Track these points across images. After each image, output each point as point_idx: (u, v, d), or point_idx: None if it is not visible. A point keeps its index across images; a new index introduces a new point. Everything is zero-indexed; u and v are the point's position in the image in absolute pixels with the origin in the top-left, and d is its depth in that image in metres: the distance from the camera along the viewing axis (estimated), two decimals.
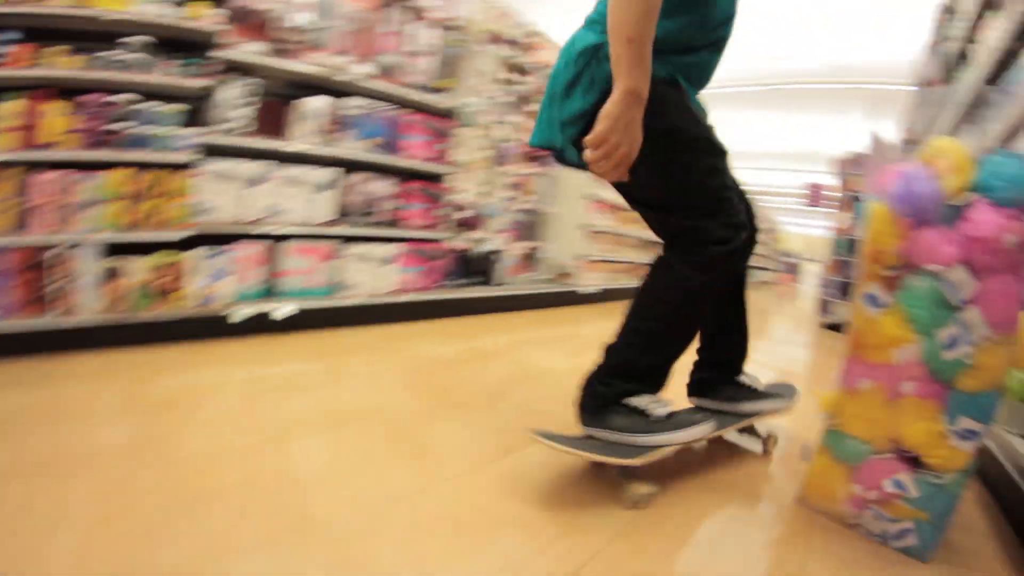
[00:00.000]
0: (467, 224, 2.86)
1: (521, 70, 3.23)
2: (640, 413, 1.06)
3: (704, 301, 1.07)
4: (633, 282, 4.33)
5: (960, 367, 0.90)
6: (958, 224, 0.89)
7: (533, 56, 3.29)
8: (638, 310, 1.09)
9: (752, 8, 5.74)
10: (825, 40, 6.06)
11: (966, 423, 0.90)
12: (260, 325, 1.95)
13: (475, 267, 2.97)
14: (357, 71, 2.24)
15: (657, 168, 0.97)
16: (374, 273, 2.32)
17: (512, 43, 3.15)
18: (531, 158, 3.36)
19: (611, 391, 1.08)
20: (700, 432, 1.08)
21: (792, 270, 17.40)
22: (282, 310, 2.00)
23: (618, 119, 0.86)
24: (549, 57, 3.49)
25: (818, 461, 1.08)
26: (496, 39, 3.00)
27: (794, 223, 20.77)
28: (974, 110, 2.02)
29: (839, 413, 1.04)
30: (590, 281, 3.86)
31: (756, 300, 11.31)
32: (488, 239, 3.00)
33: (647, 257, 4.58)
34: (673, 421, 1.06)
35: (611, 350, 1.11)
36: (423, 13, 2.49)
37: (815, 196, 11.93)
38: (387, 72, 2.37)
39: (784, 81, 7.44)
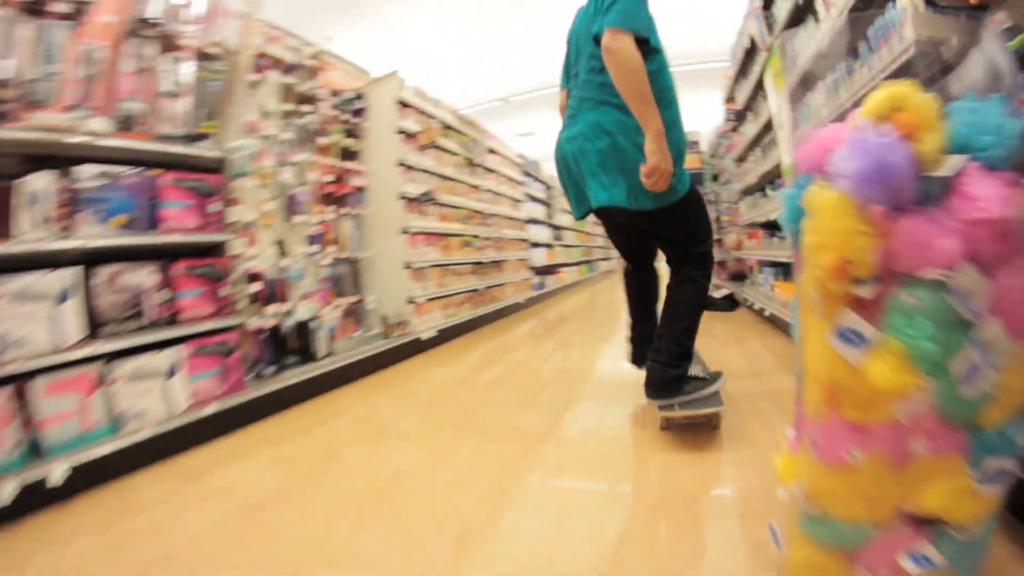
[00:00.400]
0: (267, 296, 2.52)
1: (306, 99, 2.98)
2: (697, 378, 1.72)
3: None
4: (476, 311, 4.64)
5: (983, 401, 0.69)
6: (947, 204, 0.66)
7: (320, 80, 3.07)
8: (680, 311, 1.69)
9: None
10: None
11: (995, 463, 0.71)
12: (35, 499, 1.47)
13: (291, 345, 2.64)
14: (92, 128, 1.78)
15: (689, 215, 1.65)
16: (159, 392, 1.90)
17: (292, 68, 2.88)
18: (330, 199, 3.14)
19: (682, 370, 1.68)
20: (721, 379, 1.76)
21: None
22: (56, 472, 1.51)
23: (659, 150, 1.45)
24: (340, 79, 3.32)
25: (797, 552, 0.84)
26: (271, 65, 2.71)
27: None
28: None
29: (817, 493, 0.79)
30: (428, 324, 3.82)
31: (610, 282, 13.13)
32: (298, 307, 2.69)
33: (482, 282, 4.72)
34: (710, 375, 1.76)
35: (667, 341, 1.68)
36: (175, 41, 2.09)
37: None
38: (130, 123, 1.92)
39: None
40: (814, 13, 2.22)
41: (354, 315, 3.30)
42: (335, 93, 3.29)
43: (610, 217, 1.84)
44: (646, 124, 1.45)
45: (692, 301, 1.69)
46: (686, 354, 1.70)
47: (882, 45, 1.48)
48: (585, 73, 1.65)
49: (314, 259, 2.92)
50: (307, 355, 2.71)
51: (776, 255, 3.26)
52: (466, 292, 4.51)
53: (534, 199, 7.23)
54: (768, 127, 3.29)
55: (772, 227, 3.27)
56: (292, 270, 2.73)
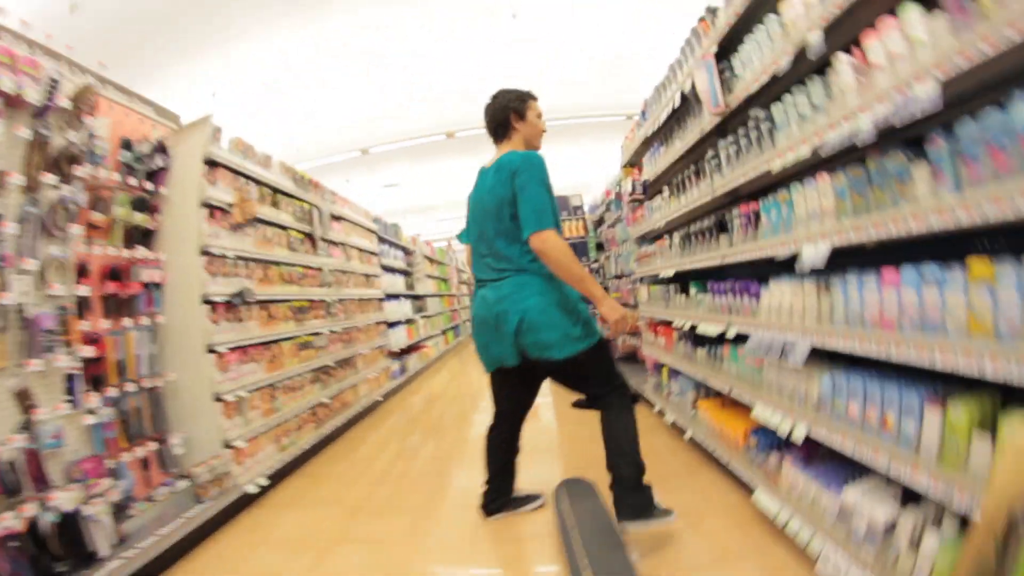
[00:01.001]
0: (10, 487, 1.60)
1: (69, 159, 1.98)
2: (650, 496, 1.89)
3: None
4: (321, 430, 3.53)
5: None
6: None
7: (94, 126, 2.12)
8: (621, 439, 1.87)
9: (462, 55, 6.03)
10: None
11: None
12: None
13: (56, 549, 1.66)
14: None
15: (602, 362, 1.93)
16: None
17: (44, 111, 1.87)
18: (110, 305, 2.16)
19: (646, 492, 1.86)
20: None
21: None
22: None
23: (611, 310, 1.83)
24: (131, 125, 2.34)
25: None
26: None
27: None
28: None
29: None
30: (256, 470, 2.76)
31: None
32: (63, 493, 1.65)
33: (327, 391, 3.76)
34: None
35: (623, 467, 1.84)
36: None
37: None
38: None
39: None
40: (821, 72, 1.52)
41: (159, 462, 2.35)
42: (125, 145, 2.31)
43: (523, 370, 1.99)
44: (592, 297, 1.83)
45: (627, 426, 1.88)
46: (640, 475, 1.86)
47: None
48: (499, 242, 1.93)
49: (80, 401, 1.96)
50: (82, 557, 1.85)
51: (696, 370, 2.69)
52: (307, 410, 3.49)
53: (391, 270, 6.46)
54: (710, 214, 2.50)
55: (700, 340, 2.68)
56: (44, 436, 1.83)
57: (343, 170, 9.54)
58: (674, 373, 3.25)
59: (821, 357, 1.64)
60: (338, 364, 4.12)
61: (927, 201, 1.16)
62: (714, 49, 2.15)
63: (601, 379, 1.93)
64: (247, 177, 3.07)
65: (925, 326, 1.17)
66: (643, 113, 3.55)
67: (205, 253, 2.64)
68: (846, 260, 1.52)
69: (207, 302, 2.61)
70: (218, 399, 2.61)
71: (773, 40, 1.75)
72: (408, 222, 14.99)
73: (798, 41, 1.56)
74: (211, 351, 2.61)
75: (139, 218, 2.46)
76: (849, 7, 1.36)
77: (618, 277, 5.10)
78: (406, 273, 7.14)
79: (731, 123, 2.26)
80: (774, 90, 1.84)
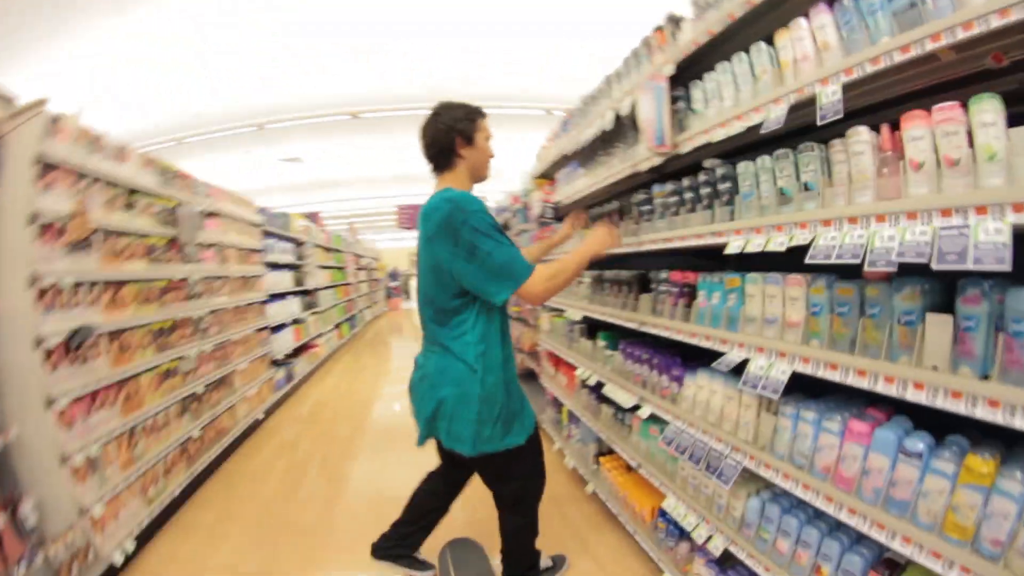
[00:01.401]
0: None
1: None
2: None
3: None
4: (194, 466, 3.12)
5: None
6: None
7: None
8: (512, 545, 1.87)
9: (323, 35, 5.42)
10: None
11: None
12: None
13: None
14: None
15: (514, 472, 1.75)
16: None
17: None
18: None
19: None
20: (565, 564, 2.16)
21: (397, 293, 18.99)
22: None
23: (602, 241, 1.88)
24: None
25: None
26: None
27: (391, 239, 21.53)
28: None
29: None
30: (121, 532, 2.41)
31: (375, 335, 11.83)
32: None
33: (199, 420, 3.38)
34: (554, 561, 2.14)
35: (512, 562, 1.89)
36: None
37: (408, 218, 13.44)
38: None
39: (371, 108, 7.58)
40: (823, 140, 1.24)
41: (14, 534, 1.97)
42: None
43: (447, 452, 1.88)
44: (587, 260, 1.76)
45: (525, 540, 1.89)
46: (536, 566, 1.93)
47: None
48: (428, 310, 1.72)
49: None
50: None
51: (599, 428, 2.54)
52: (176, 448, 3.08)
53: (278, 266, 5.91)
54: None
55: (607, 397, 2.50)
56: None
57: (239, 144, 8.48)
58: (575, 418, 3.00)
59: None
60: (210, 387, 3.69)
61: (939, 376, 0.89)
62: (669, 70, 1.73)
63: (510, 492, 1.77)
64: (87, 177, 2.55)
65: (890, 501, 0.99)
66: (565, 124, 3.21)
67: (35, 283, 2.16)
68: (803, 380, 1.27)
69: (39, 344, 2.15)
70: (65, 461, 2.20)
71: (759, 79, 1.40)
72: (312, 198, 13.87)
73: (800, 91, 1.23)
74: (50, 405, 2.17)
75: None
76: (896, 66, 1.00)
77: None
78: (295, 267, 6.57)
79: (674, 165, 1.97)
80: (745, 142, 1.56)
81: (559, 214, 3.44)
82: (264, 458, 3.91)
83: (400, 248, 21.70)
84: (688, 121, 1.75)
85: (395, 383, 6.42)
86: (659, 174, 2.12)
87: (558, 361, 3.40)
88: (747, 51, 1.46)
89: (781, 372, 1.26)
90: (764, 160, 1.41)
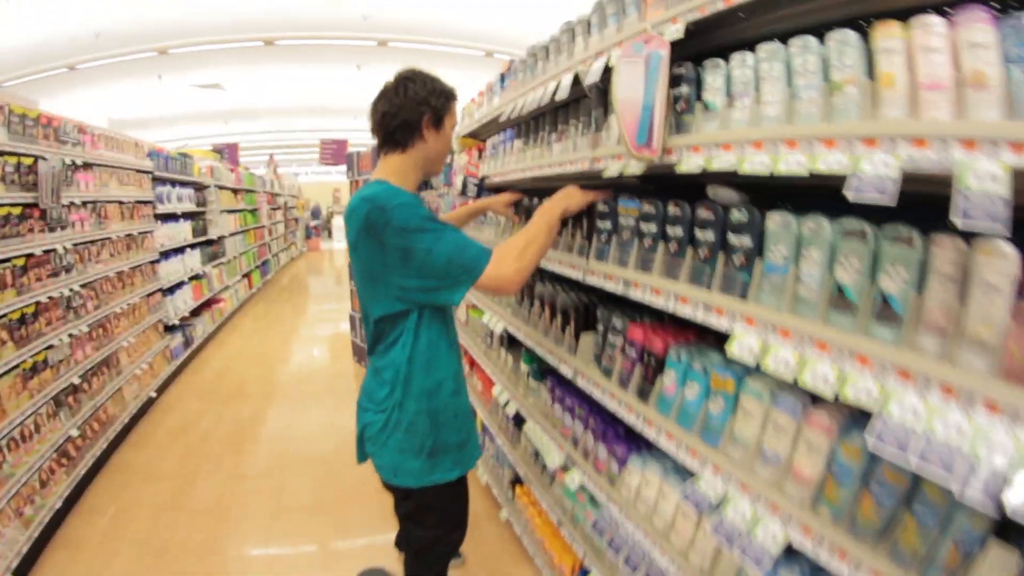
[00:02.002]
0: None
1: None
2: None
3: None
4: (78, 469, 2.47)
5: None
6: None
7: None
8: None
9: None
10: None
11: None
12: None
13: None
14: None
15: (431, 516, 1.57)
16: None
17: None
18: None
19: None
20: None
21: (318, 232, 17.87)
22: None
23: (568, 199, 1.60)
24: None
25: None
26: None
27: (314, 172, 20.33)
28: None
29: None
30: None
31: (291, 279, 11.02)
32: None
33: (78, 414, 3.09)
34: None
35: None
36: None
37: (331, 154, 12.37)
38: None
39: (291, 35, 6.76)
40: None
41: None
42: None
43: None
44: (553, 223, 1.51)
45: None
46: None
47: None
48: (365, 318, 1.53)
49: None
50: None
51: (516, 460, 2.32)
52: (53, 455, 2.78)
53: (173, 217, 5.30)
54: None
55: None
56: None
57: (146, 69, 7.26)
58: (490, 433, 2.73)
59: None
60: (89, 374, 3.33)
61: None
62: (675, 32, 1.20)
63: (420, 537, 1.60)
64: None
65: None
66: (503, 78, 2.61)
67: None
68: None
69: None
70: None
71: (837, 89, 0.91)
72: (231, 129, 12.40)
73: (922, 143, 0.76)
74: None
75: None
76: None
77: None
78: (196, 216, 5.93)
79: (655, 179, 1.54)
80: (787, 178, 0.97)
81: (482, 193, 2.89)
82: (157, 445, 3.67)
83: (323, 182, 20.58)
84: (694, 120, 1.22)
85: (312, 326, 6.13)
86: (634, 181, 1.67)
87: (473, 361, 3.03)
88: (820, 36, 0.95)
89: (771, 537, 0.98)
90: (822, 225, 0.95)
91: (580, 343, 1.78)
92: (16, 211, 2.71)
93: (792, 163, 0.94)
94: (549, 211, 1.50)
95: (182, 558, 2.56)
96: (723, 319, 1.14)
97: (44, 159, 2.90)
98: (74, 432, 3.04)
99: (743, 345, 1.05)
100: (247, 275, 8.38)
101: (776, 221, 1.04)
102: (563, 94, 1.68)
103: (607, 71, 1.42)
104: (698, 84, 1.24)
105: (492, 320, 2.53)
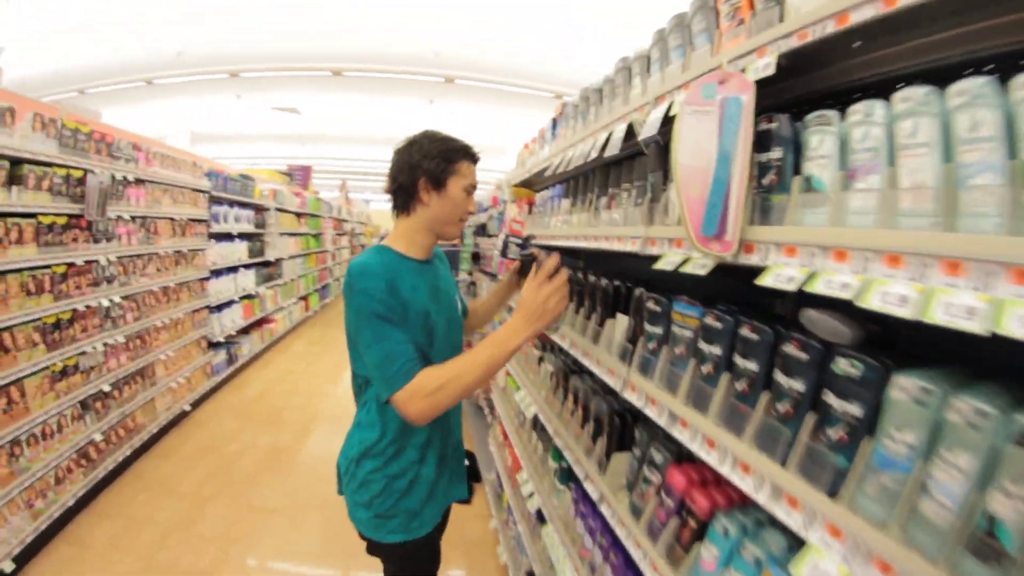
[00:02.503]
0: None
1: None
2: None
3: None
4: (95, 472, 2.85)
5: None
6: None
7: None
8: None
9: None
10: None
11: None
12: None
13: None
14: None
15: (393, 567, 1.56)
16: None
17: None
18: None
19: None
20: None
21: None
22: None
23: (535, 311, 1.30)
24: None
25: None
26: None
27: (384, 201, 22.04)
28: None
29: None
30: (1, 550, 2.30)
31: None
32: None
33: (104, 420, 3.23)
34: None
35: None
36: None
37: None
38: None
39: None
40: None
41: None
42: None
43: None
44: (507, 352, 1.29)
45: None
46: None
47: None
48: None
49: None
50: None
51: (535, 556, 2.11)
52: (72, 455, 2.94)
53: (228, 237, 5.65)
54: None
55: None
56: None
57: (224, 88, 8.15)
58: (513, 516, 2.58)
59: None
60: (121, 383, 3.51)
61: None
62: (761, 70, 0.89)
63: None
64: None
65: None
66: (554, 124, 2.40)
67: None
68: None
69: None
70: None
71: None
72: (308, 151, 13.60)
73: None
74: None
75: None
76: None
77: None
78: (252, 237, 6.32)
79: (736, 279, 1.10)
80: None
81: (529, 253, 2.78)
82: (181, 460, 3.79)
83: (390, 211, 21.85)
84: (789, 203, 0.88)
85: None
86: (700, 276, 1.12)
87: (507, 437, 2.84)
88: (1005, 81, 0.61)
89: None
90: (987, 414, 0.61)
91: (612, 462, 1.53)
92: (61, 221, 2.95)
93: (958, 308, 0.57)
94: (503, 341, 1.28)
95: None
96: (797, 515, 0.80)
97: (93, 173, 3.16)
98: (97, 436, 3.19)
99: (819, 570, 0.74)
100: (304, 297, 8.79)
101: (906, 389, 0.68)
102: (613, 149, 1.39)
103: (668, 121, 1.11)
104: (796, 147, 0.89)
105: (525, 401, 2.37)
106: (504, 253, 2.61)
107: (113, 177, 3.41)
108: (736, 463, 0.94)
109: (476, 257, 5.34)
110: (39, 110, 2.84)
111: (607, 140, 1.44)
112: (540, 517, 2.18)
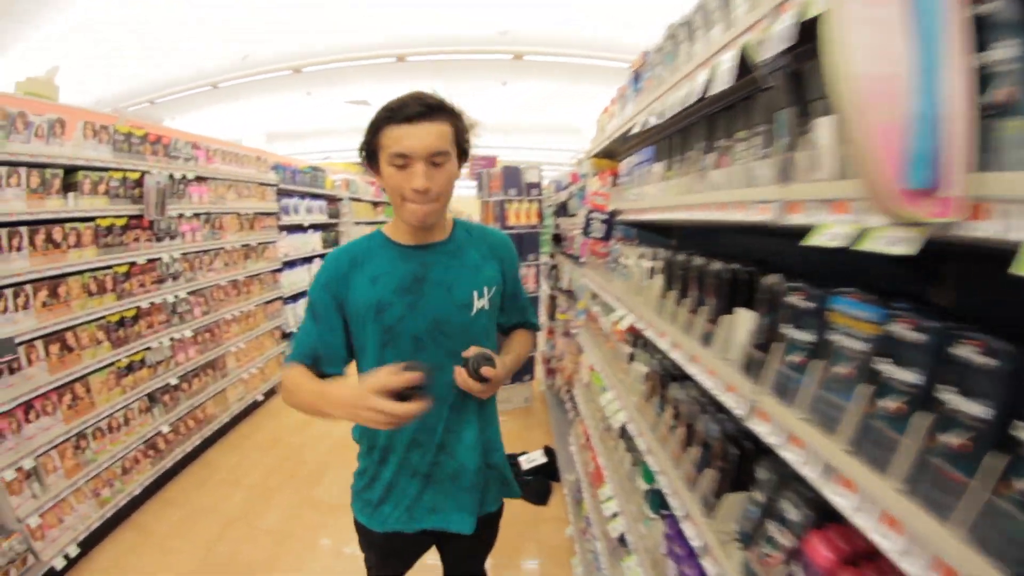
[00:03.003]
0: None
1: None
2: None
3: None
4: (162, 462, 3.14)
5: None
6: None
7: None
8: None
9: None
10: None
11: None
12: None
13: None
14: None
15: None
16: None
17: None
18: None
19: None
20: None
21: None
22: None
23: (344, 407, 1.18)
24: None
25: None
26: None
27: (464, 187, 22.77)
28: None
29: None
30: (66, 536, 2.58)
31: None
32: None
33: (172, 412, 3.44)
34: None
35: None
36: None
37: (477, 167, 13.22)
38: None
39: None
40: None
41: None
42: None
43: None
44: (316, 404, 1.26)
45: None
46: None
47: None
48: None
49: None
50: None
51: None
52: (139, 447, 3.17)
53: (301, 229, 5.87)
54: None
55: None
56: None
57: (291, 86, 8.60)
58: (592, 529, 2.30)
59: None
60: (190, 376, 3.73)
61: None
62: None
63: None
64: (10, 164, 2.44)
65: None
66: (636, 77, 2.05)
67: None
68: None
69: None
70: None
71: None
72: (329, 174, 14.19)
73: None
74: None
75: None
76: None
77: (569, 293, 4.26)
78: (327, 228, 6.54)
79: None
80: None
81: (611, 230, 2.28)
82: (249, 451, 3.98)
83: (474, 196, 22.08)
84: None
85: None
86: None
87: (589, 440, 2.55)
88: None
89: None
90: None
91: (722, 504, 1.18)
92: (120, 222, 3.13)
93: None
94: (321, 397, 1.23)
95: (236, 574, 2.70)
96: None
97: (150, 173, 3.32)
98: (165, 428, 3.40)
99: None
100: None
101: None
102: (722, 84, 1.05)
103: (808, 28, 0.75)
104: None
105: (612, 405, 2.04)
106: (587, 232, 2.31)
107: (172, 176, 3.57)
108: (939, 569, 0.57)
109: (558, 239, 5.04)
110: (92, 119, 3.00)
111: (711, 76, 1.10)
112: (622, 541, 1.91)
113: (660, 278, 1.60)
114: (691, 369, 1.30)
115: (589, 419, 2.56)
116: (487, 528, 1.49)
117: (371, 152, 1.23)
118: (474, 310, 1.30)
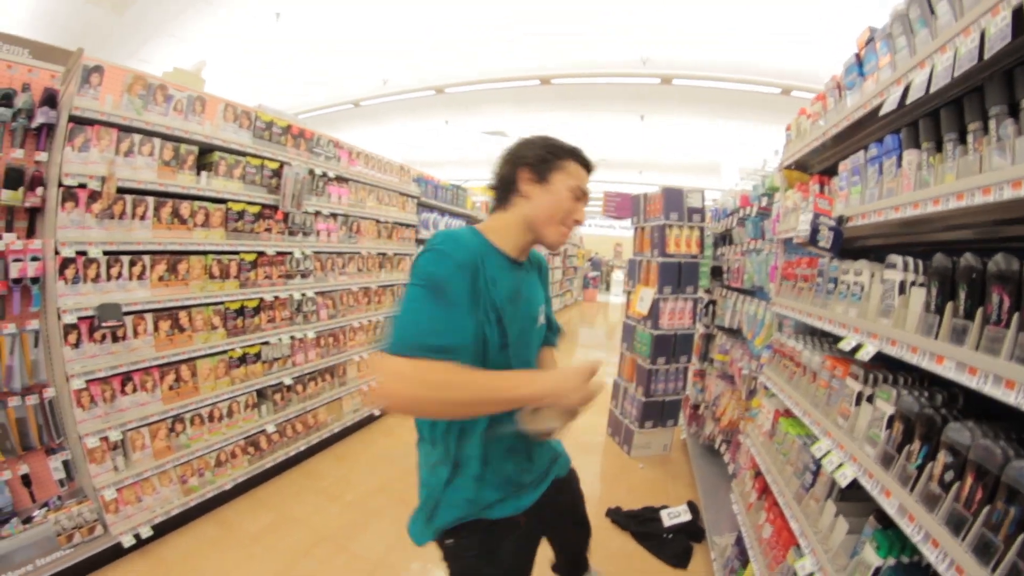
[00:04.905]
0: None
1: None
2: None
3: None
4: (261, 462, 2.98)
5: None
6: None
7: None
8: None
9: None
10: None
11: None
12: None
13: None
14: None
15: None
16: None
17: None
18: None
19: None
20: None
21: (595, 283, 19.19)
22: None
23: (568, 385, 1.16)
24: None
25: None
26: None
27: (597, 225, 22.76)
28: None
29: None
30: (140, 516, 2.49)
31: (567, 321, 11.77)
32: None
33: (281, 413, 3.25)
34: None
35: None
36: None
37: (614, 206, 12.87)
38: None
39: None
40: None
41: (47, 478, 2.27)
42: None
43: None
44: (512, 402, 1.15)
45: None
46: None
47: None
48: None
49: None
50: None
51: None
52: (239, 442, 3.01)
53: None
54: None
55: None
56: None
57: (430, 112, 9.09)
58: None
59: None
60: (306, 378, 3.56)
61: None
62: None
63: None
64: (146, 133, 2.45)
65: None
66: (859, 62, 1.79)
67: (57, 253, 2.18)
68: None
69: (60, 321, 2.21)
70: (80, 439, 2.28)
71: None
72: (471, 193, 14.57)
73: None
74: (67, 381, 2.23)
75: (7, 196, 2.07)
76: None
77: (732, 331, 3.56)
78: None
79: None
80: None
81: (839, 241, 1.84)
82: (355, 466, 3.66)
83: (605, 235, 22.29)
84: None
85: None
86: None
87: (774, 504, 2.03)
88: None
89: None
90: None
91: None
92: (253, 209, 3.08)
93: None
94: (526, 385, 1.13)
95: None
96: None
97: (289, 165, 3.27)
98: (270, 428, 3.21)
99: None
100: None
101: None
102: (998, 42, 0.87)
103: None
104: None
105: (833, 457, 1.57)
106: (814, 242, 1.78)
107: (312, 171, 3.53)
108: None
109: (716, 272, 4.31)
110: (234, 105, 3.01)
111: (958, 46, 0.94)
112: None
113: (919, 292, 1.28)
114: (996, 393, 0.90)
115: (773, 471, 2.01)
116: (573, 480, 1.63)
117: (543, 168, 1.32)
118: (539, 324, 1.43)
